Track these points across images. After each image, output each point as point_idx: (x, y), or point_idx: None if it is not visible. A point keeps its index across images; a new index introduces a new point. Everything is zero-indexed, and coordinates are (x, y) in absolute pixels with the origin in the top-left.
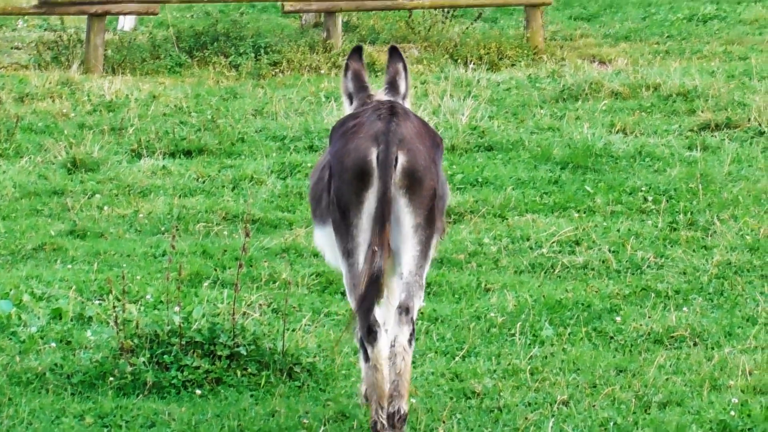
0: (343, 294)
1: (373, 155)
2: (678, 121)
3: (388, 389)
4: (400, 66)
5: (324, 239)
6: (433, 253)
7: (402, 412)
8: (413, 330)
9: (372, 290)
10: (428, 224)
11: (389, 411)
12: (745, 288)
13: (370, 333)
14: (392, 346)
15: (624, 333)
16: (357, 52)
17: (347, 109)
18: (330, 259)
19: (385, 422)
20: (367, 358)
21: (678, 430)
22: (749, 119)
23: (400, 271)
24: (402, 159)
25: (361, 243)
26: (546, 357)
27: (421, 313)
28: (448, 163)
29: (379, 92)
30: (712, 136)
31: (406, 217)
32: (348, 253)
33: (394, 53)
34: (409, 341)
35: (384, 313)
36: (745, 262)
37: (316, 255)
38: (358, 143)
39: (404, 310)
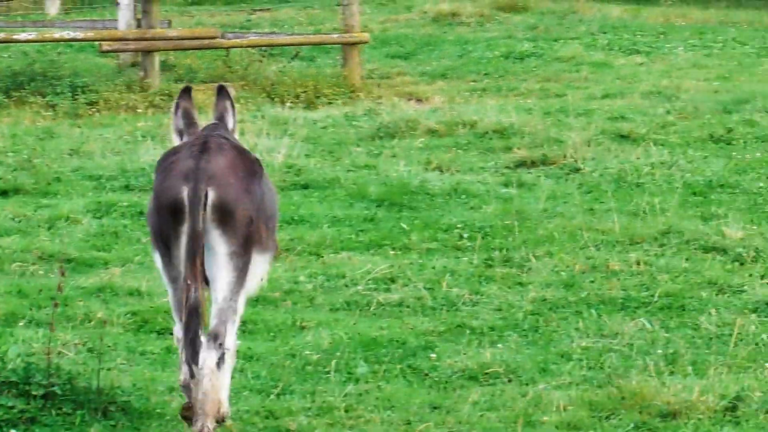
0: (158, 332)
1: (184, 193)
2: (494, 158)
3: (195, 409)
4: (227, 103)
5: (158, 263)
6: (259, 276)
7: (208, 429)
8: (222, 354)
9: (194, 321)
10: (244, 251)
11: (195, 429)
12: (560, 324)
13: (195, 356)
14: (201, 368)
15: (439, 370)
16: (187, 92)
17: (176, 142)
18: (165, 281)
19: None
20: (192, 376)
21: None
22: (565, 156)
23: (215, 297)
24: (212, 195)
25: (182, 271)
26: (361, 394)
27: (238, 350)
28: None
29: (207, 129)
30: (527, 173)
31: (220, 247)
32: (173, 280)
33: (222, 91)
34: (218, 364)
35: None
36: (560, 298)
37: (131, 294)
38: (171, 182)
39: (213, 336)
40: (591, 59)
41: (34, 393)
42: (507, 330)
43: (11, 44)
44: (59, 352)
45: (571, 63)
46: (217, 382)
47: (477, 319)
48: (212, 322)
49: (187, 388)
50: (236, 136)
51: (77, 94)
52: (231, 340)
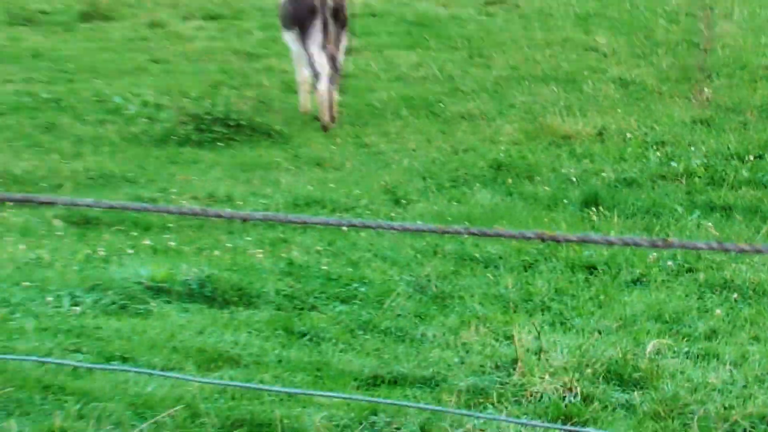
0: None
1: (318, 2)
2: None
3: (324, 105)
4: None
5: (288, 37)
6: (346, 44)
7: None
8: (339, 79)
9: (330, 60)
10: (344, 34)
11: (325, 117)
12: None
13: (318, 76)
14: (330, 87)
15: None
16: None
17: None
18: (292, 47)
19: (328, 120)
20: (317, 88)
21: None
22: None
23: (336, 53)
24: (331, 2)
25: (314, 41)
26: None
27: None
28: None
29: None
30: None
31: (334, 30)
32: (306, 45)
33: None
34: (335, 87)
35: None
36: None
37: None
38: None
39: (339, 71)
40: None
41: (231, 124)
42: None
43: None
44: (245, 103)
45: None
46: (336, 95)
47: None
48: (339, 65)
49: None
50: None
51: None
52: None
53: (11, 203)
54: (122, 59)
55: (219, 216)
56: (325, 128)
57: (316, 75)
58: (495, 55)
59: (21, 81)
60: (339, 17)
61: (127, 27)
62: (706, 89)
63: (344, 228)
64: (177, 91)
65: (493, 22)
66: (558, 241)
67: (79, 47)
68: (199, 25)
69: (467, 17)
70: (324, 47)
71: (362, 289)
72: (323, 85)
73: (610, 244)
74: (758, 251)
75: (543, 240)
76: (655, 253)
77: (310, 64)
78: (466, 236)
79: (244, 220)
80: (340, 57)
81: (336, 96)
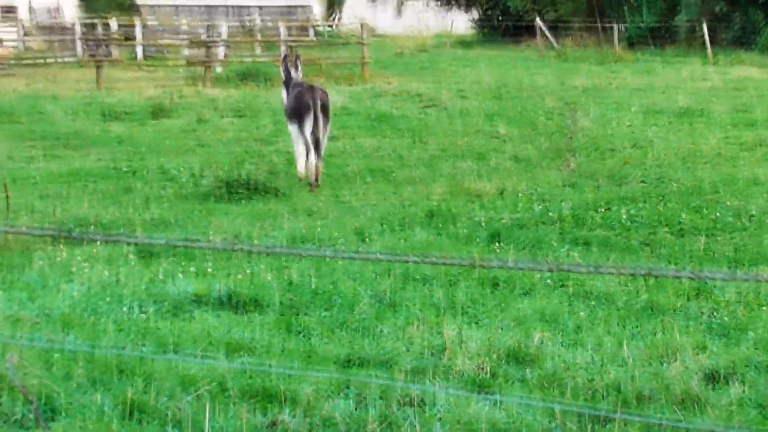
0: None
1: (310, 101)
2: (418, 104)
3: (312, 173)
4: (298, 61)
5: (291, 128)
6: (328, 131)
7: (317, 185)
8: (321, 158)
9: (317, 144)
10: (327, 123)
11: (313, 181)
12: None
13: (308, 153)
14: (316, 161)
15: None
16: (285, 58)
17: (282, 72)
18: (293, 134)
19: (313, 183)
20: (307, 160)
21: None
22: (442, 102)
23: (320, 139)
24: (319, 102)
25: (306, 129)
26: None
27: None
28: None
29: (291, 67)
30: (429, 109)
31: (321, 121)
32: (302, 132)
33: (297, 57)
34: (320, 161)
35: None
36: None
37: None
38: (305, 98)
39: (319, 152)
40: (460, 70)
41: (250, 187)
42: None
43: None
44: (260, 173)
45: (445, 65)
46: (320, 167)
47: None
48: (321, 149)
49: (306, 170)
50: (300, 70)
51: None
52: (322, 153)
53: (100, 242)
54: (178, 144)
55: (241, 249)
56: (311, 188)
57: (307, 152)
58: (430, 140)
59: (108, 159)
60: (325, 112)
61: (182, 122)
62: (572, 163)
63: (327, 257)
64: (214, 165)
65: (429, 118)
66: (484, 267)
67: (149, 135)
68: (231, 120)
69: (411, 115)
70: (313, 133)
71: (339, 300)
72: (312, 159)
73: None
74: (611, 272)
75: (473, 266)
76: (539, 275)
77: (304, 145)
78: (411, 263)
79: (267, 254)
80: (324, 140)
81: (320, 167)
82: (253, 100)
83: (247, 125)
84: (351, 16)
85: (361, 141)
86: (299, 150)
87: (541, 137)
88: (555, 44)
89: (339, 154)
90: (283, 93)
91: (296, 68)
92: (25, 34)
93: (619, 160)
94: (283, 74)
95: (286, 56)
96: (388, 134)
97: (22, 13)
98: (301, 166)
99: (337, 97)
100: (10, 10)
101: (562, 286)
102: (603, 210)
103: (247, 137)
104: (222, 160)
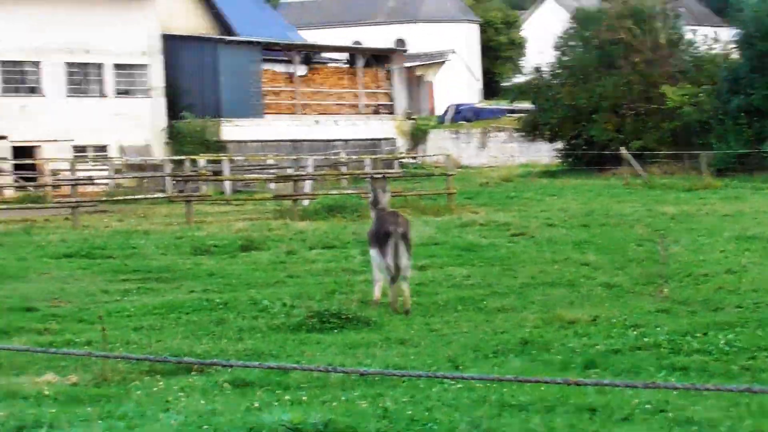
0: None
1: (392, 228)
2: (505, 233)
3: (401, 302)
4: (386, 182)
5: (373, 253)
6: (411, 258)
7: (408, 308)
8: (408, 282)
9: (398, 269)
10: (409, 249)
11: (405, 309)
12: None
13: (392, 279)
14: (402, 287)
15: None
16: (373, 179)
17: (371, 196)
18: (374, 259)
19: (396, 308)
20: (391, 286)
21: None
22: (529, 231)
23: (403, 264)
24: (400, 229)
25: (388, 254)
26: None
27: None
28: None
29: (380, 191)
30: (516, 238)
31: (402, 247)
32: (384, 257)
33: (385, 178)
34: (407, 286)
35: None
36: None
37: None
38: (386, 224)
39: (404, 278)
40: (544, 199)
41: (342, 317)
42: None
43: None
44: (351, 303)
45: (532, 199)
46: (408, 292)
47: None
48: (405, 272)
49: (390, 296)
50: (388, 194)
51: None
52: (408, 280)
53: (195, 371)
54: (268, 275)
55: (336, 371)
56: (395, 310)
57: (391, 278)
58: (519, 268)
59: (200, 291)
60: (406, 239)
61: (271, 254)
62: (664, 289)
63: (421, 385)
64: (305, 296)
65: (517, 247)
66: (579, 384)
67: (239, 268)
68: (320, 251)
69: (499, 244)
70: (394, 258)
71: (435, 427)
72: (396, 285)
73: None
74: (718, 390)
75: (568, 384)
76: (637, 400)
77: (384, 270)
78: (505, 381)
79: (361, 374)
80: (408, 267)
81: (408, 294)
82: (340, 231)
83: (335, 256)
84: (435, 148)
85: (451, 270)
86: (377, 275)
87: (632, 264)
88: (641, 172)
89: (429, 283)
90: (372, 214)
91: (383, 191)
92: (116, 172)
93: (713, 286)
94: (370, 196)
95: (374, 178)
96: (477, 263)
97: (113, 152)
98: (377, 291)
99: (424, 228)
100: (102, 149)
101: (661, 411)
102: (699, 336)
103: (336, 268)
104: (312, 290)
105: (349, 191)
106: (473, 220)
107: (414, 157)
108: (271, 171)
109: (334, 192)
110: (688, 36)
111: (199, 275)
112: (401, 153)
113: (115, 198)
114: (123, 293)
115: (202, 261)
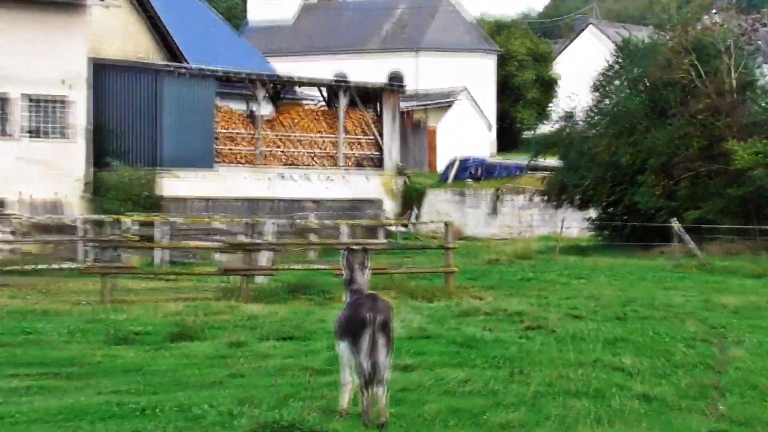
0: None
1: (368, 317)
2: (515, 326)
3: (375, 412)
4: (367, 256)
5: (341, 347)
6: (391, 355)
7: (384, 420)
8: (385, 388)
9: (375, 370)
10: (389, 343)
11: (379, 422)
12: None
13: (366, 384)
14: (377, 395)
15: None
16: (350, 251)
17: (345, 272)
18: (343, 354)
19: (369, 419)
20: (364, 394)
21: None
22: (548, 325)
23: (379, 362)
24: (379, 318)
25: (362, 350)
26: None
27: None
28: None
29: (357, 267)
30: (531, 333)
31: (380, 341)
32: (357, 353)
33: (366, 251)
34: (384, 394)
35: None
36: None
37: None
38: (361, 311)
39: (380, 381)
40: (560, 281)
41: (291, 427)
42: None
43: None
44: (312, 413)
45: (552, 282)
46: (383, 401)
47: None
48: (381, 373)
49: (363, 404)
50: (369, 270)
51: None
52: (385, 383)
53: None
54: (204, 374)
55: None
56: (366, 423)
57: (365, 382)
58: (533, 372)
59: (112, 392)
60: (385, 331)
61: (211, 346)
62: (720, 406)
63: None
64: (252, 402)
65: (532, 344)
66: None
67: (166, 363)
68: (274, 344)
69: (509, 339)
70: (370, 356)
71: None
72: (370, 390)
73: None
74: None
75: None
76: None
77: (356, 370)
78: None
79: None
80: (386, 366)
81: (385, 402)
82: (304, 318)
83: (295, 350)
84: (433, 213)
85: (443, 372)
86: (346, 376)
87: (679, 371)
88: (697, 251)
89: (414, 389)
90: (346, 297)
91: (363, 268)
92: (16, 234)
93: None
94: (345, 274)
95: (351, 250)
96: (478, 364)
97: (14, 208)
98: (346, 398)
99: (412, 316)
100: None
101: None
102: None
103: (295, 365)
104: (261, 395)
105: (319, 266)
106: (476, 308)
107: (405, 225)
108: (219, 238)
109: (299, 266)
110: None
111: (113, 371)
112: (388, 218)
113: (10, 268)
114: (9, 393)
115: (118, 352)
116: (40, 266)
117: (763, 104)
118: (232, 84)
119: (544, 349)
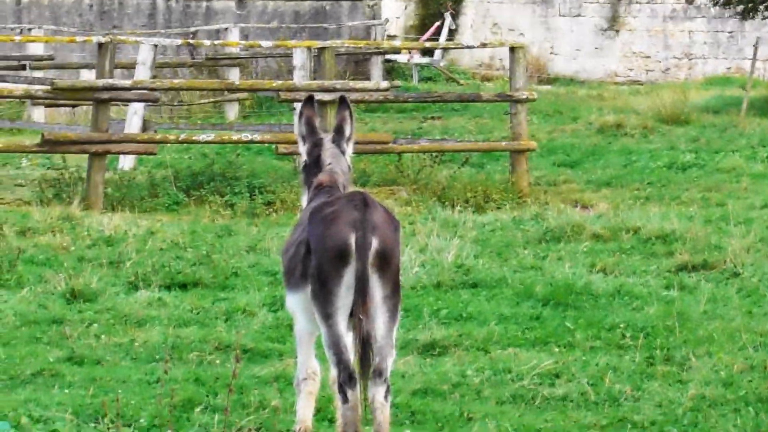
0: (330, 420)
1: (352, 240)
2: (656, 263)
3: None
4: (346, 113)
5: (296, 304)
6: (398, 318)
7: None
8: (388, 387)
9: (366, 350)
10: (394, 294)
11: None
12: (719, 420)
13: (350, 379)
14: (371, 402)
15: None
16: (309, 101)
17: (301, 148)
18: (300, 320)
19: None
20: (345, 401)
21: None
22: (725, 261)
23: (374, 336)
24: (375, 243)
25: (339, 308)
26: None
27: None
28: (434, 298)
29: (327, 136)
30: (689, 276)
31: (376, 291)
32: (327, 316)
33: (342, 102)
34: (385, 397)
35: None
36: (718, 395)
37: None
38: (338, 228)
39: (378, 373)
40: (751, 171)
41: None
42: (667, 425)
43: (192, 145)
44: None
45: (732, 174)
46: (387, 412)
47: (639, 414)
48: (375, 359)
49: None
50: (353, 143)
51: (254, 195)
52: (388, 377)
53: None
54: (15, 356)
55: None
56: None
57: (340, 371)
58: (695, 357)
59: None
60: (385, 269)
61: (26, 300)
62: None
63: None
64: (110, 414)
65: (692, 301)
66: None
67: None
68: (157, 297)
69: (644, 291)
70: (356, 323)
71: None
72: (354, 390)
73: None
74: None
75: None
76: None
77: (331, 351)
78: None
79: None
80: (385, 337)
81: (386, 411)
82: (216, 244)
83: (200, 310)
84: (485, 26)
85: (505, 356)
86: (306, 365)
87: None
88: None
89: (445, 390)
90: (304, 197)
91: (339, 138)
92: None
93: None
94: (303, 150)
95: (310, 102)
96: (579, 341)
97: None
98: (305, 405)
99: (440, 243)
100: None
101: None
102: None
103: (200, 342)
104: (130, 399)
105: (246, 136)
106: (577, 225)
107: (428, 49)
108: (40, 76)
109: (205, 136)
110: None
111: None
112: (393, 36)
113: None
114: None
115: None
116: None
117: None
118: None
119: (718, 310)
